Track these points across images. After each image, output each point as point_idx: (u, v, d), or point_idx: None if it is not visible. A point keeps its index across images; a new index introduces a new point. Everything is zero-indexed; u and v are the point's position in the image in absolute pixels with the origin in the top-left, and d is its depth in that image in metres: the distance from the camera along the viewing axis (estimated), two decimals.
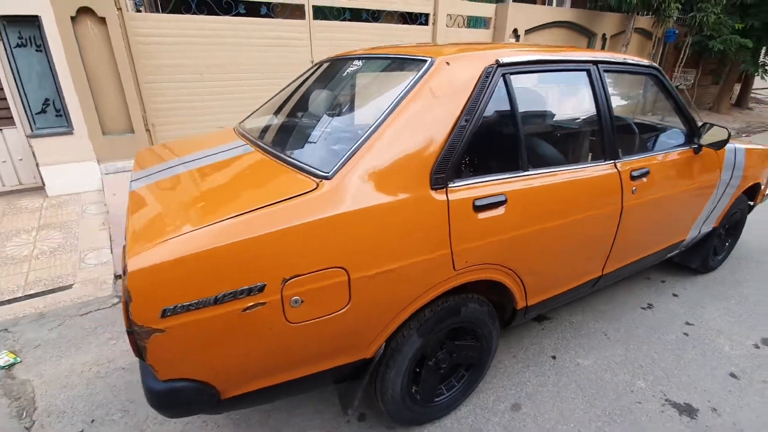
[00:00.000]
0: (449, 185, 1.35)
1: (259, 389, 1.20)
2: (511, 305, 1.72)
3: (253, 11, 4.65)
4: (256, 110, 2.34)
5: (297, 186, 1.18)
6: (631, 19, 7.86)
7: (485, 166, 1.49)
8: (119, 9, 3.74)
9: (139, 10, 4.07)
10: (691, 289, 2.73)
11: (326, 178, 1.20)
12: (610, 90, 1.87)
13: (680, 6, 7.62)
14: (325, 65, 2.14)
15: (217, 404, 1.14)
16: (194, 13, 4.29)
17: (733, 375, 1.98)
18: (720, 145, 2.12)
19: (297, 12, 4.88)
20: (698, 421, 1.73)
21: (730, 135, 2.10)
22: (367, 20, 5.45)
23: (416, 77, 1.38)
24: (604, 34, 8.11)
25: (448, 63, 1.42)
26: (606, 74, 1.85)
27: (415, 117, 1.31)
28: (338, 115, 1.64)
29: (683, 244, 2.49)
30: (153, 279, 0.95)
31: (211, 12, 4.39)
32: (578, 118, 2.16)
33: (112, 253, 2.98)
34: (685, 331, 2.30)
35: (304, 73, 2.31)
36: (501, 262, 1.51)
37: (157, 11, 4.16)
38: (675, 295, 2.65)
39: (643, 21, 8.63)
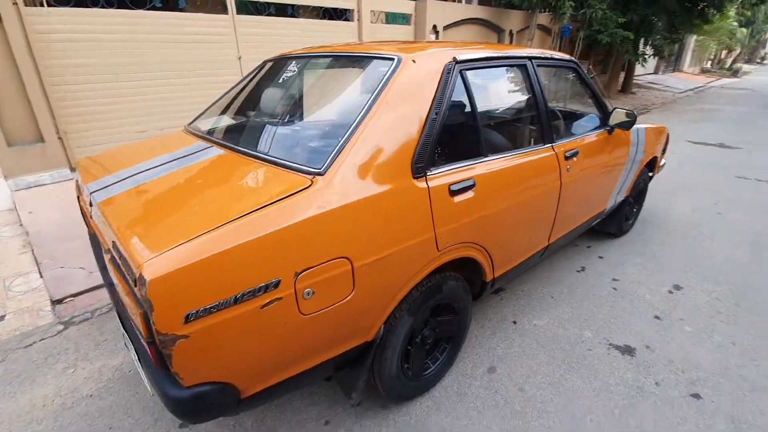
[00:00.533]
0: (428, 174, 1.47)
1: (274, 384, 1.22)
2: (480, 279, 1.90)
3: (171, 5, 4.36)
4: (206, 110, 2.26)
5: (293, 184, 1.21)
6: (533, 16, 8.66)
7: (454, 155, 1.63)
8: (15, 3, 3.29)
9: (41, 4, 3.60)
10: (612, 251, 3.18)
11: (319, 174, 1.25)
12: (543, 82, 2.13)
13: (573, 3, 8.56)
14: (281, 63, 2.13)
15: (237, 404, 1.14)
16: (103, 7, 3.91)
17: (657, 317, 2.38)
18: (628, 125, 2.50)
19: (219, 6, 4.66)
20: (637, 357, 2.07)
21: (636, 117, 2.48)
22: (293, 15, 5.38)
23: (387, 74, 1.47)
24: (510, 30, 8.84)
25: (414, 61, 1.52)
26: (538, 68, 2.10)
27: (392, 112, 1.41)
28: (314, 113, 1.67)
29: (604, 212, 2.89)
30: (174, 285, 0.94)
31: (122, 5, 4.03)
32: (521, 108, 2.41)
33: (42, 277, 2.67)
34: (613, 286, 2.70)
35: (255, 71, 2.27)
36: (474, 240, 1.67)
37: (61, 5, 3.72)
38: (600, 257, 3.07)
39: (543, 18, 9.56)
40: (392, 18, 6.85)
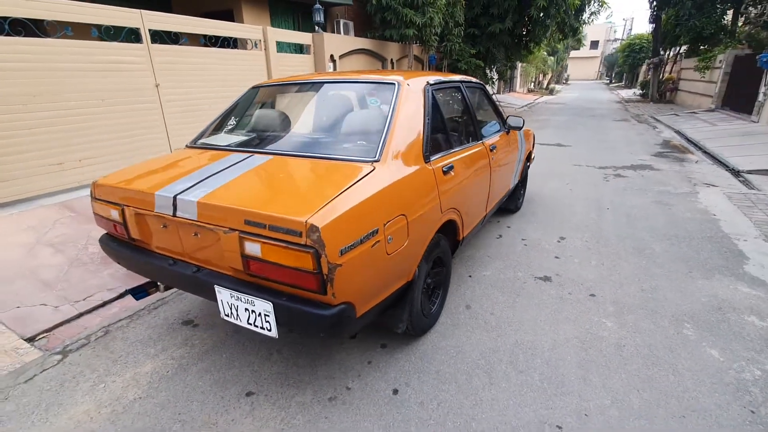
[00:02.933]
0: (431, 159, 2.13)
1: (371, 307, 1.71)
2: (455, 239, 2.61)
3: (83, 34, 4.22)
4: (207, 131, 2.54)
5: (362, 168, 1.76)
6: (409, 47, 10.11)
7: (438, 148, 2.33)
8: None
9: None
10: (515, 221, 4.25)
11: (376, 161, 1.81)
12: (471, 97, 3.00)
13: (438, 38, 10.26)
14: (282, 89, 2.58)
15: (355, 321, 1.61)
16: (8, 35, 3.65)
17: (556, 257, 3.42)
18: (519, 128, 3.55)
19: (132, 36, 4.63)
20: (553, 281, 3.02)
21: (524, 122, 3.54)
22: (205, 45, 5.54)
23: (395, 92, 2.11)
24: (392, 59, 10.14)
25: (408, 84, 2.19)
26: (467, 89, 2.97)
27: (406, 117, 2.05)
28: (348, 122, 2.18)
29: (509, 191, 3.92)
30: (332, 230, 1.41)
31: (30, 34, 3.80)
32: (461, 115, 3.25)
33: None
34: (524, 243, 3.70)
35: (249, 96, 2.65)
36: (454, 206, 2.38)
37: None
38: (509, 227, 4.10)
39: (415, 49, 11.16)
40: (293, 48, 7.39)
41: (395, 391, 2.01)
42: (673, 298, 2.77)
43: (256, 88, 2.67)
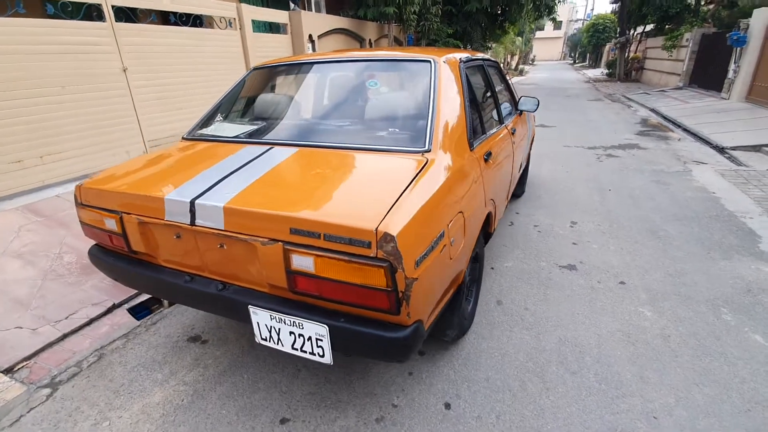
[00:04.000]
0: (474, 147, 1.91)
1: (434, 319, 1.49)
2: (486, 231, 2.42)
3: (35, 11, 3.66)
4: (207, 119, 2.21)
5: (415, 161, 1.51)
6: (387, 27, 9.72)
7: (476, 133, 2.10)
8: None
9: None
10: (521, 207, 4.12)
11: (427, 152, 1.57)
12: (491, 77, 2.77)
13: (416, 17, 9.92)
14: (296, 68, 2.27)
15: (423, 339, 1.39)
16: None
17: (574, 243, 3.31)
18: (533, 109, 3.36)
19: (94, 12, 4.09)
20: (579, 270, 2.90)
21: (539, 102, 3.36)
22: (176, 23, 5.01)
23: (433, 72, 1.85)
24: (370, 39, 9.73)
25: (444, 62, 1.94)
26: (488, 66, 2.74)
27: (447, 100, 1.81)
28: (387, 107, 1.90)
29: (519, 174, 3.76)
30: (406, 237, 1.17)
31: None
32: (487, 95, 3.02)
33: None
34: (538, 230, 3.57)
35: (252, 79, 2.31)
36: (492, 196, 2.18)
37: None
38: (517, 213, 3.97)
39: (394, 29, 10.77)
40: (266, 27, 6.88)
41: (447, 406, 1.83)
42: (702, 282, 2.71)
43: (258, 69, 2.34)
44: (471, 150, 1.85)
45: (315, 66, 2.24)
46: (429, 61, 1.91)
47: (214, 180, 1.54)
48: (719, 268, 2.87)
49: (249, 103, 2.18)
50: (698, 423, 1.72)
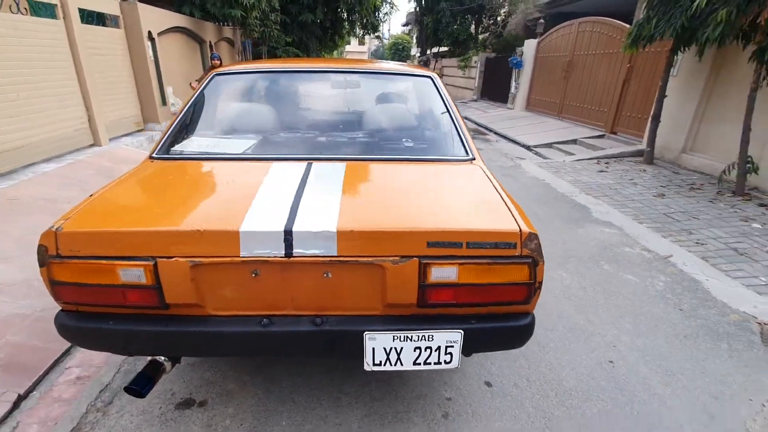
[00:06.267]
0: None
1: None
2: None
3: None
4: (180, 135, 1.83)
5: (474, 167, 1.69)
6: (233, 30, 9.09)
7: None
8: None
9: None
10: None
11: (473, 159, 1.76)
12: None
13: (259, 22, 9.57)
14: (262, 77, 2.08)
15: None
16: None
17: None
18: None
19: None
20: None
21: None
22: None
23: (437, 85, 2.05)
24: (210, 41, 8.89)
25: (438, 75, 2.15)
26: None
27: (457, 112, 2.02)
28: (416, 119, 1.93)
29: None
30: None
31: None
32: None
33: None
34: None
35: (223, 84, 2.02)
36: None
37: None
38: None
39: (228, 31, 10.07)
40: (90, 18, 5.56)
41: (488, 384, 2.05)
42: (578, 246, 3.66)
43: (221, 75, 2.04)
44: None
45: (312, 75, 2.11)
46: (429, 76, 2.09)
47: (288, 203, 1.37)
48: (581, 234, 3.91)
49: (243, 114, 1.88)
50: (637, 341, 2.41)
